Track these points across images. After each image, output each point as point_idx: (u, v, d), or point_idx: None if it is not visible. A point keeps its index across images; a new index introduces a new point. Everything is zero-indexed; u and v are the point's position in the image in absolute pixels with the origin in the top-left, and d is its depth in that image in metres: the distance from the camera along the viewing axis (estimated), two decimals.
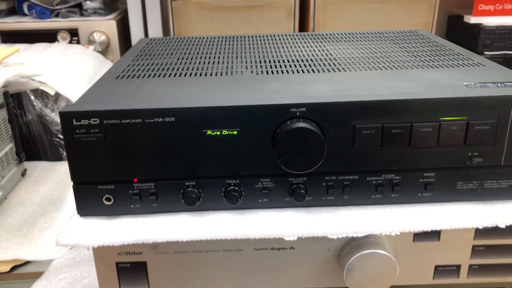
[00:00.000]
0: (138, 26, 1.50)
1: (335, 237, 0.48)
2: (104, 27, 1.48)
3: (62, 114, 0.45)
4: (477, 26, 1.44)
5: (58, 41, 1.47)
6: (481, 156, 0.49)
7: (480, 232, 0.52)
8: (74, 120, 0.45)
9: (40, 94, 1.08)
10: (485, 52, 1.43)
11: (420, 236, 0.51)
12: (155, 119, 0.46)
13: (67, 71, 1.16)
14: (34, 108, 1.09)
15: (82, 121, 0.45)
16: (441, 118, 0.47)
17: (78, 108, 0.46)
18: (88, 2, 1.51)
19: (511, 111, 0.47)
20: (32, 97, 1.08)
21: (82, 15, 1.51)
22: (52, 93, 1.07)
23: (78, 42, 1.48)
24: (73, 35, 1.48)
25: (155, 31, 1.50)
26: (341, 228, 0.48)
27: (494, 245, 0.52)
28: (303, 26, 1.52)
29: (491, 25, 1.43)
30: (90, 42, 1.47)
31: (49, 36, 1.47)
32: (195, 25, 1.45)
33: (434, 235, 0.52)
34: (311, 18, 1.47)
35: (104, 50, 1.48)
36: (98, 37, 1.47)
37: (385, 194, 0.50)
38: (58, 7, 1.49)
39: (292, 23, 1.47)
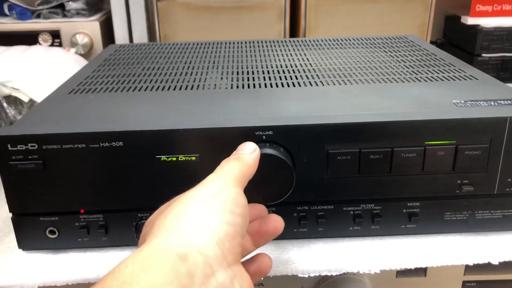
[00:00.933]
0: (122, 29, 1.45)
1: (306, 276, 0.42)
2: (87, 29, 1.43)
3: None
4: (475, 27, 1.39)
5: (39, 43, 1.42)
6: (471, 184, 0.43)
7: (471, 267, 0.46)
8: (9, 145, 0.40)
9: (14, 100, 1.03)
10: (483, 54, 1.38)
11: (405, 271, 0.46)
12: (101, 144, 0.40)
13: (44, 76, 1.10)
14: (7, 116, 1.04)
15: (19, 146, 0.40)
16: (426, 142, 0.41)
17: (14, 131, 0.40)
18: (70, 2, 1.45)
19: (505, 134, 0.41)
20: (5, 104, 1.03)
21: (64, 16, 1.46)
22: (26, 100, 1.02)
23: (60, 44, 1.43)
24: (55, 37, 1.43)
25: (140, 33, 1.45)
26: (313, 265, 0.43)
27: (487, 280, 0.47)
28: (294, 27, 1.46)
29: (489, 26, 1.37)
30: (73, 44, 1.41)
31: (30, 38, 1.41)
32: (182, 26, 1.40)
33: (420, 270, 0.46)
34: (303, 19, 1.41)
35: (87, 53, 1.42)
36: (81, 39, 1.41)
37: (364, 225, 0.44)
38: (40, 7, 1.43)
39: (282, 25, 1.42)
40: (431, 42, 1.44)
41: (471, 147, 0.41)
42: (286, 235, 0.45)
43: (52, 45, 1.43)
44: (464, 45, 1.43)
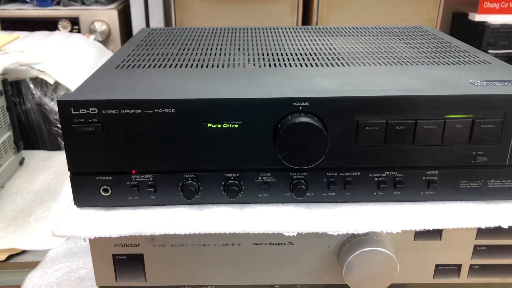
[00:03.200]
0: (139, 17, 1.49)
1: (335, 233, 0.47)
2: (105, 17, 1.47)
3: (60, 103, 0.44)
4: (482, 24, 1.43)
5: (58, 29, 1.46)
6: (485, 155, 0.48)
7: (482, 232, 0.51)
8: (72, 109, 0.45)
9: (40, 82, 1.08)
10: (489, 51, 1.42)
11: (422, 234, 0.51)
12: (155, 110, 0.45)
13: (67, 60, 1.15)
14: (33, 97, 1.08)
15: (81, 110, 0.45)
16: (446, 116, 0.46)
17: (77, 97, 0.45)
18: None
19: None
20: (31, 86, 1.07)
21: (83, 3, 1.50)
22: (51, 82, 1.06)
23: (78, 31, 1.47)
24: (74, 24, 1.47)
25: (157, 22, 1.49)
26: (341, 225, 0.47)
27: (496, 245, 0.52)
28: (306, 20, 1.51)
29: (496, 23, 1.41)
30: (91, 31, 1.45)
31: (50, 25, 1.45)
32: (197, 16, 1.44)
33: (436, 234, 0.51)
34: (315, 12, 1.46)
35: (105, 40, 1.46)
36: (99, 26, 1.46)
37: (387, 191, 0.49)
38: None
39: (295, 17, 1.46)
40: None
41: (486, 121, 0.46)
42: (317, 198, 0.49)
43: (71, 31, 1.47)
44: (471, 41, 1.47)
